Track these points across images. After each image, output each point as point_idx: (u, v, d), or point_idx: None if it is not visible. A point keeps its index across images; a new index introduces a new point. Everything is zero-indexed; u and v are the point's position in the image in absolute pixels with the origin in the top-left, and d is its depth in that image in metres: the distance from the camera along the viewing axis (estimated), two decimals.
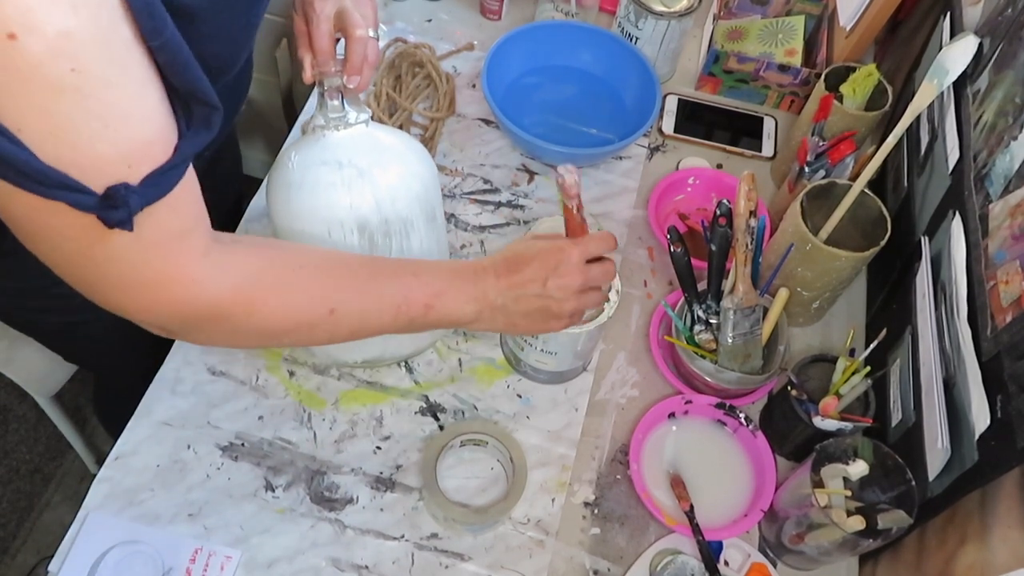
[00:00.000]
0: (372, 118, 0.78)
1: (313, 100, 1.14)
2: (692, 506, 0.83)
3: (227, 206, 1.21)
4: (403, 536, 0.82)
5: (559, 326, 0.73)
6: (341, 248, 0.76)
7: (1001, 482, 0.65)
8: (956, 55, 0.84)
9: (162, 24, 0.47)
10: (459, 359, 0.93)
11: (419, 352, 0.92)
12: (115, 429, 0.86)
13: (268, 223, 1.00)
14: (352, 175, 0.74)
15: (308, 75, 0.78)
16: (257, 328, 0.63)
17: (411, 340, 0.88)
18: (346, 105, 0.76)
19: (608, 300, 0.76)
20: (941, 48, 0.86)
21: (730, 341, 0.88)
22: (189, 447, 0.85)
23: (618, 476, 0.88)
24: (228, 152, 1.16)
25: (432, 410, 0.90)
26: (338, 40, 0.80)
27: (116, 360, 1.15)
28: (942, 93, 0.88)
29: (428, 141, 1.10)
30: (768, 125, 1.19)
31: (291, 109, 1.66)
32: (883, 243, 0.86)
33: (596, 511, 0.86)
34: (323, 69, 0.76)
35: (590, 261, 0.73)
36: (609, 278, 0.74)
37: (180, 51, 0.48)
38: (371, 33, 0.79)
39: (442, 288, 0.69)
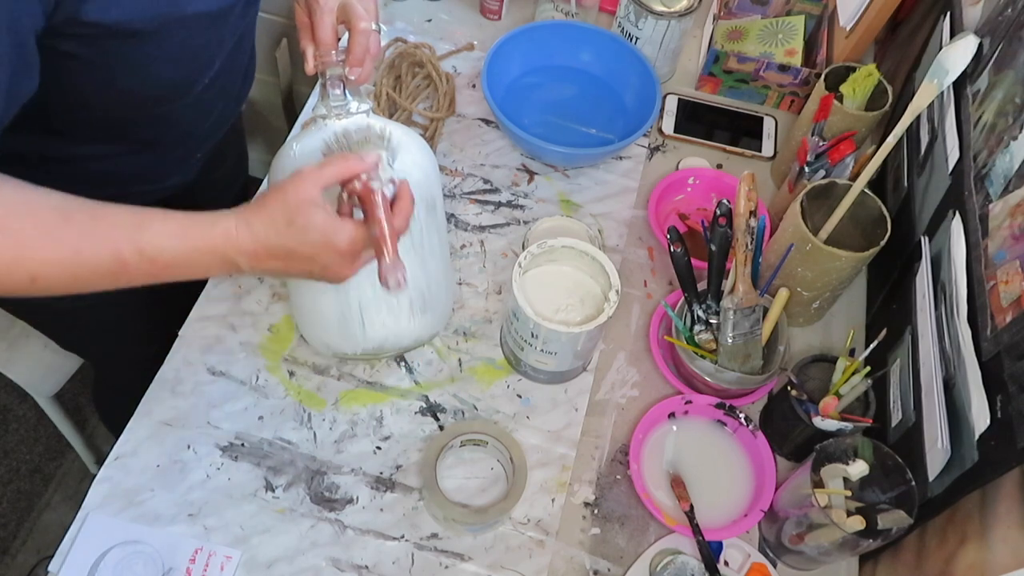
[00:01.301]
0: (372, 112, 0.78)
1: (313, 100, 1.14)
2: (692, 506, 0.83)
3: (229, 203, 1.21)
4: (403, 536, 0.82)
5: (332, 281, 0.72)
6: None
7: (1001, 482, 0.65)
8: (956, 55, 0.84)
9: None
10: (459, 359, 0.93)
11: (420, 344, 0.92)
12: (114, 425, 0.86)
13: None
14: None
15: (311, 66, 0.79)
16: None
17: (411, 333, 0.88)
18: (348, 94, 0.76)
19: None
20: (941, 48, 0.86)
21: (730, 341, 0.88)
22: (189, 447, 0.85)
23: (618, 476, 0.88)
24: (231, 150, 1.16)
25: (432, 410, 0.90)
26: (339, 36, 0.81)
27: (110, 348, 1.16)
28: (942, 93, 0.88)
29: (428, 141, 1.10)
30: (768, 125, 1.19)
31: (291, 109, 1.66)
32: (883, 243, 0.86)
33: (596, 511, 0.86)
34: (326, 59, 0.77)
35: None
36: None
37: None
38: (373, 26, 0.80)
39: (176, 260, 0.65)
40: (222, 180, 1.17)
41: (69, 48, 0.62)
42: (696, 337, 0.91)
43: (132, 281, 0.65)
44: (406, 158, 0.77)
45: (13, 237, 0.60)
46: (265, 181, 0.97)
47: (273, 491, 0.83)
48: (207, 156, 0.97)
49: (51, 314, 1.04)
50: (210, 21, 0.72)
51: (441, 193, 0.83)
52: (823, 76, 1.02)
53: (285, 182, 0.67)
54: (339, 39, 0.79)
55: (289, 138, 0.81)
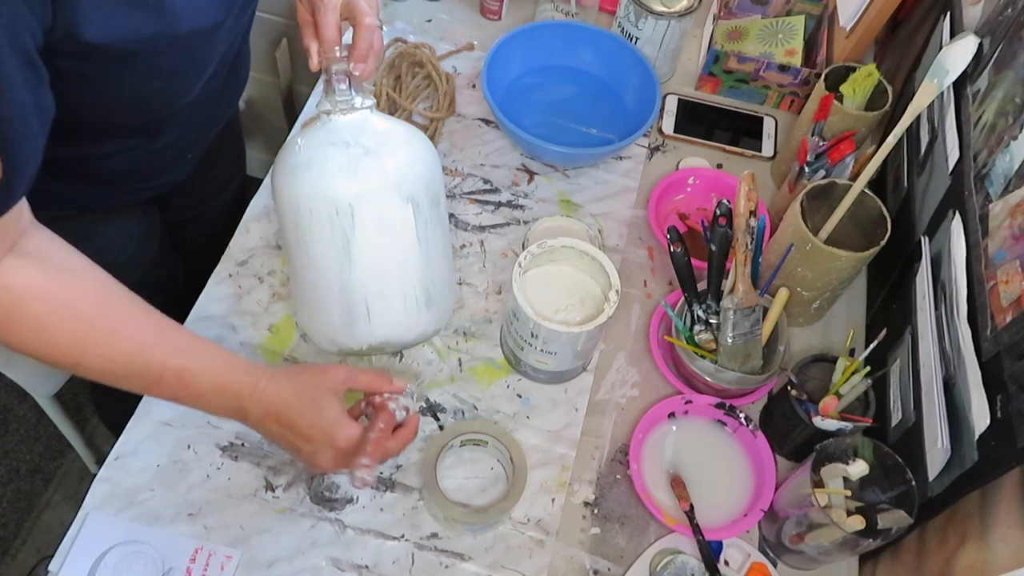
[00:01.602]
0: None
1: (313, 100, 1.14)
2: (692, 506, 0.83)
3: (227, 202, 1.21)
4: (403, 536, 0.82)
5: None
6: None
7: (1001, 482, 0.65)
8: (956, 55, 0.84)
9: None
10: (459, 359, 0.93)
11: (424, 339, 0.92)
12: (114, 425, 0.86)
13: (268, 222, 1.01)
14: (358, 154, 0.74)
15: (314, 63, 0.79)
16: (9, 344, 0.64)
17: (416, 328, 0.88)
18: (352, 90, 0.77)
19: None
20: (941, 48, 0.86)
21: (730, 341, 0.88)
22: (189, 447, 0.85)
23: (618, 476, 0.88)
24: (227, 149, 1.16)
25: (432, 410, 0.90)
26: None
27: None
28: (942, 93, 0.88)
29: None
30: (768, 125, 1.19)
31: (291, 109, 1.66)
32: (883, 243, 0.86)
33: (596, 511, 0.86)
34: (330, 55, 0.77)
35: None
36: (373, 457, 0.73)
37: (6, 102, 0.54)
38: (377, 22, 0.80)
39: (202, 395, 0.71)
40: (218, 178, 1.17)
41: (63, 64, 0.63)
42: (696, 337, 0.91)
43: (157, 395, 0.70)
44: (410, 150, 0.77)
45: (80, 325, 0.64)
46: (267, 178, 0.97)
47: (273, 491, 0.83)
48: (201, 155, 0.97)
49: None
50: (203, 36, 0.72)
51: (444, 188, 0.84)
52: (823, 76, 1.02)
53: (324, 366, 0.75)
54: (342, 36, 0.79)
55: (292, 134, 0.82)
